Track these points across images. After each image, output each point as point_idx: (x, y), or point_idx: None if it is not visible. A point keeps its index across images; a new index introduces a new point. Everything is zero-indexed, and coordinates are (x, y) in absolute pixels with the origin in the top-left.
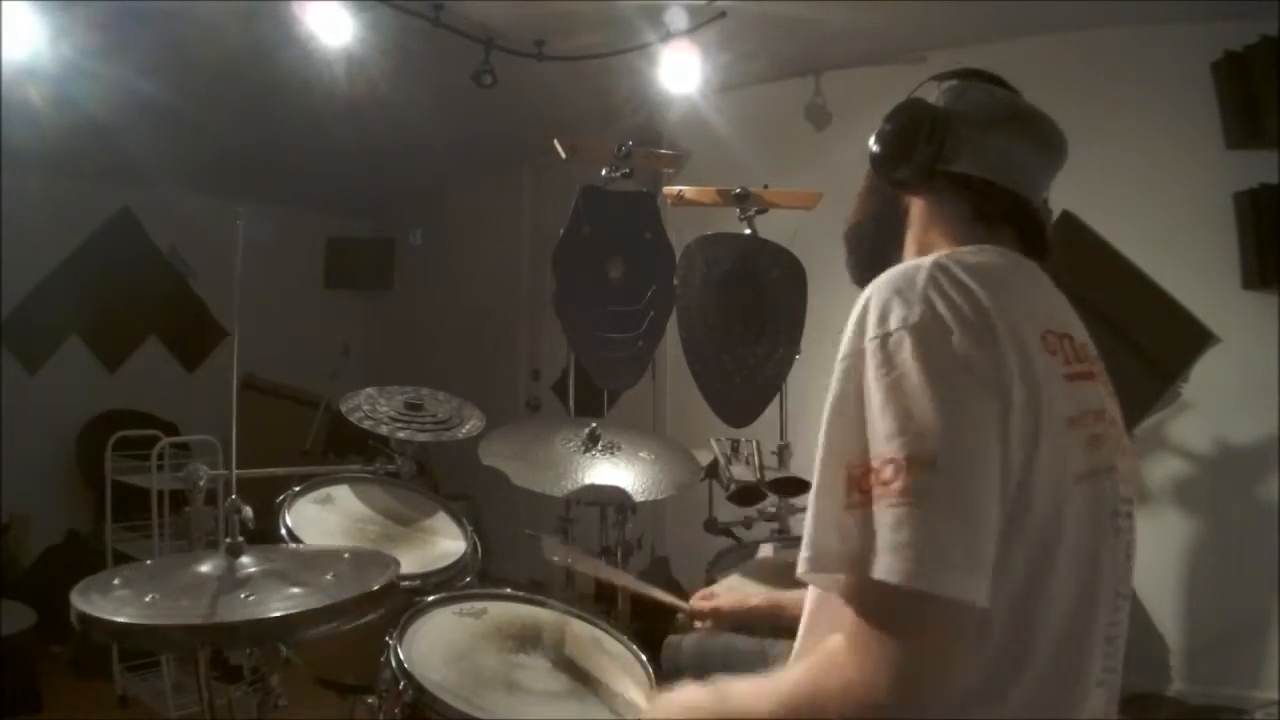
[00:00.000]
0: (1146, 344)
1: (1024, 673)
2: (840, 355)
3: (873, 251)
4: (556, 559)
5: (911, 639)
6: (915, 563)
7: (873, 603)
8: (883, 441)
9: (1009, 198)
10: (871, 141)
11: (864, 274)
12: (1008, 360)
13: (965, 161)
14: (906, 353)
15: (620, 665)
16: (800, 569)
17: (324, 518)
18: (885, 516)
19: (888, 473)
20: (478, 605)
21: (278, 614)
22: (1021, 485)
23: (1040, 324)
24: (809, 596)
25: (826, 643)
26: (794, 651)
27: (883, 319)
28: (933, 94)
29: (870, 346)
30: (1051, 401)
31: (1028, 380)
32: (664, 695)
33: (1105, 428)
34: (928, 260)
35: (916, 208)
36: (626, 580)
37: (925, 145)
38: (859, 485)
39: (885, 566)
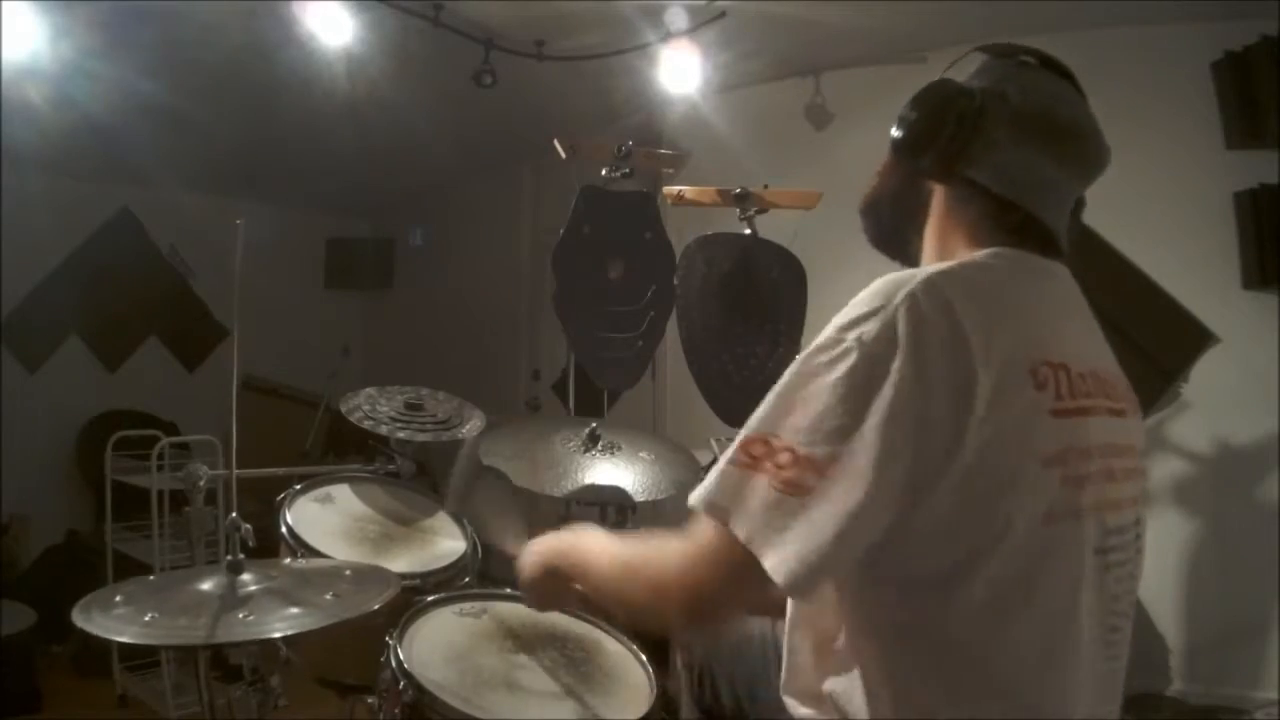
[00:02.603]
0: (1146, 344)
1: (992, 702)
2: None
3: (889, 228)
4: None
5: (734, 584)
6: (781, 553)
7: (730, 549)
8: (792, 429)
9: (1024, 214)
10: (895, 124)
11: (882, 244)
12: (977, 392)
13: (985, 172)
14: (847, 365)
15: (620, 665)
16: (693, 500)
17: (324, 517)
18: (766, 494)
19: (784, 458)
20: (478, 605)
21: (276, 635)
22: (988, 519)
23: (1035, 353)
24: None
25: (671, 541)
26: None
27: (851, 323)
28: (972, 70)
29: (827, 341)
30: (1026, 438)
31: (998, 416)
32: (539, 541)
33: (1093, 465)
34: (923, 274)
35: (937, 196)
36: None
37: (948, 142)
38: (750, 449)
39: (758, 542)
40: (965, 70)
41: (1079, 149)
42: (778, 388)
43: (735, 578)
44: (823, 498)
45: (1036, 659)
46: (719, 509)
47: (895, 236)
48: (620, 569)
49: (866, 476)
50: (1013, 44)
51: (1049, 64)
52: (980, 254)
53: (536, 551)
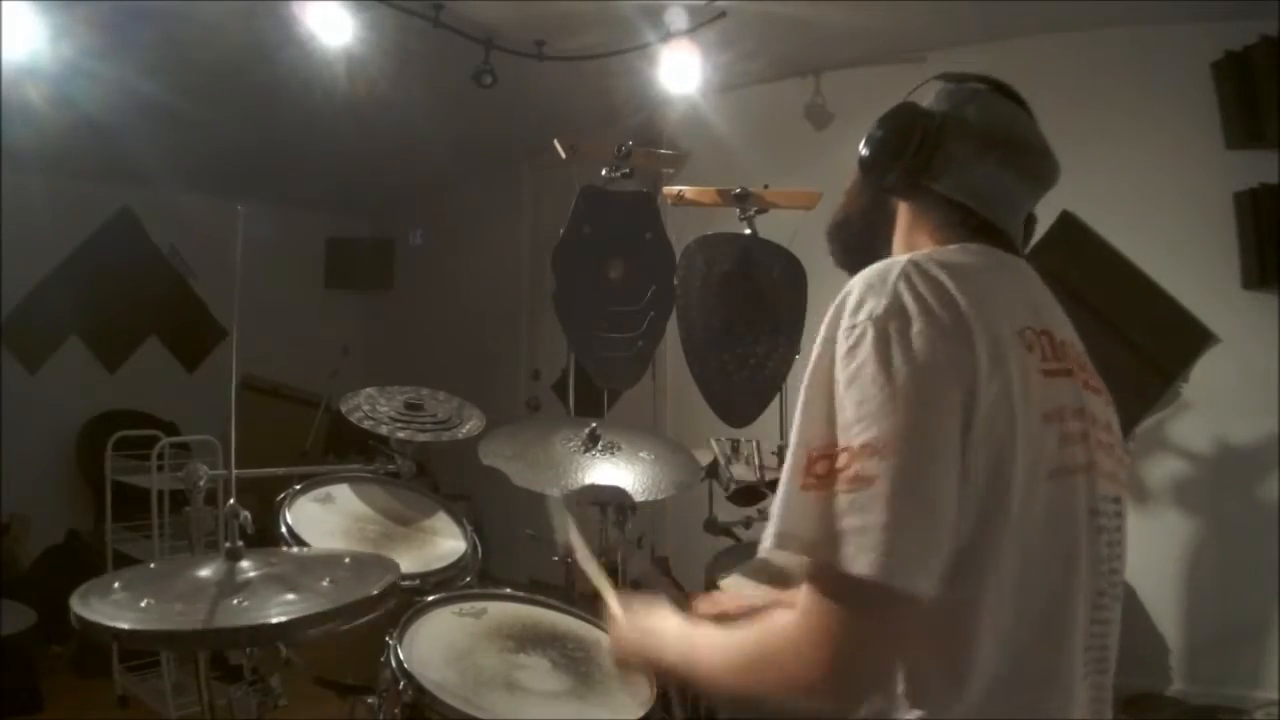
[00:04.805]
0: (1146, 344)
1: (992, 667)
2: (816, 343)
3: (858, 246)
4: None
5: (860, 622)
6: (870, 552)
7: (828, 584)
8: (842, 429)
9: (984, 221)
10: (862, 144)
11: (850, 264)
12: (978, 352)
13: (948, 183)
14: (868, 344)
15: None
16: (766, 543)
17: (324, 517)
18: (840, 502)
19: (843, 459)
20: (478, 605)
21: (273, 620)
22: (998, 477)
23: (1018, 320)
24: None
25: (775, 615)
26: None
27: (854, 311)
28: (932, 96)
29: (839, 337)
30: (1027, 395)
31: (1000, 373)
32: (631, 621)
33: (1084, 425)
34: (904, 257)
35: (902, 208)
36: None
37: (912, 158)
38: (814, 469)
39: (845, 556)
40: (925, 97)
41: (1035, 163)
42: (805, 402)
43: (866, 615)
44: (900, 475)
45: (1039, 619)
46: (801, 541)
47: (865, 253)
48: (737, 671)
49: (928, 436)
50: (965, 72)
51: (1000, 89)
52: (949, 246)
53: (641, 638)
